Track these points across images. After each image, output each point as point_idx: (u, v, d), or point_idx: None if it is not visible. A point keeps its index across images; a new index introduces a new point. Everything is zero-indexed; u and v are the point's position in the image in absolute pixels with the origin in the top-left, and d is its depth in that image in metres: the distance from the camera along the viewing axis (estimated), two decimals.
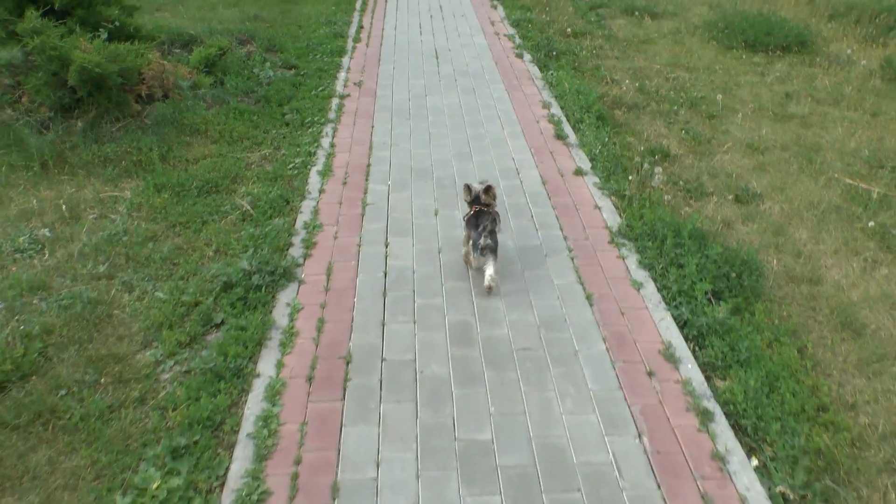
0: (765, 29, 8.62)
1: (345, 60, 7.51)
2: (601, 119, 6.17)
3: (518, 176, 5.13)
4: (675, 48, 8.53)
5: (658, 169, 5.10)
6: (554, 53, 7.89)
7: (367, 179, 5.01)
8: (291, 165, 5.24)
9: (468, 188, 3.89)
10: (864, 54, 8.21)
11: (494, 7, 9.81)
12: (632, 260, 4.08)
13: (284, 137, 5.75)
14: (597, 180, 5.07)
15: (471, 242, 3.80)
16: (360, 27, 8.78)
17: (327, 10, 9.52)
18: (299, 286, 3.76)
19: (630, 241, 4.27)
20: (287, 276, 3.82)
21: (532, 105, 6.45)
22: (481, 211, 3.78)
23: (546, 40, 8.35)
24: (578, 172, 5.18)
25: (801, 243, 4.49)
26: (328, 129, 5.84)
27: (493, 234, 3.70)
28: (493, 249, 3.70)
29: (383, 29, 8.72)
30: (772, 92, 7.15)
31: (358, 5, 9.83)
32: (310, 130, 5.82)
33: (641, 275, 3.93)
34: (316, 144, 5.53)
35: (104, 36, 6.05)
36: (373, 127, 5.91)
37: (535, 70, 7.36)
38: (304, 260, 4.00)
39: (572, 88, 6.74)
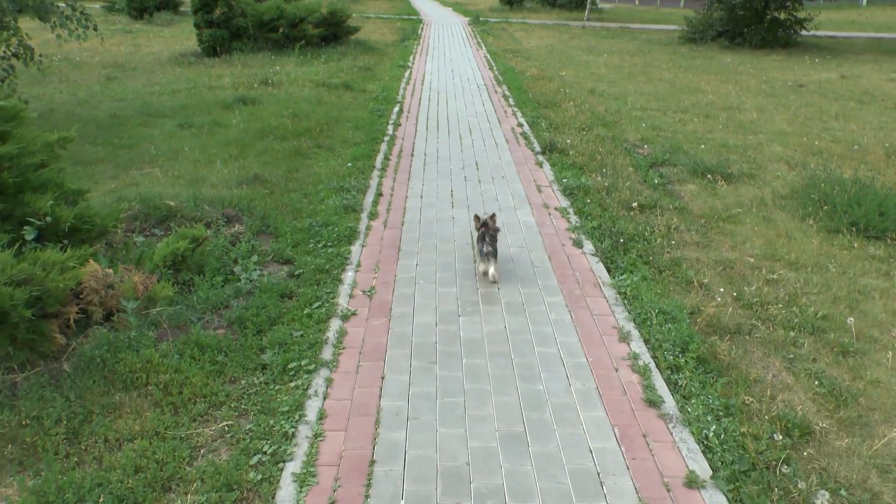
0: (874, 206, 6.91)
1: (354, 250, 5.86)
2: (703, 363, 4.37)
3: (602, 490, 3.27)
4: (766, 230, 6.82)
5: (823, 493, 3.22)
6: (622, 241, 6.18)
7: (367, 496, 3.19)
8: (257, 459, 3.45)
9: (477, 217, 5.50)
10: None
11: (540, 165, 8.26)
12: None
13: (256, 394, 4.02)
14: (723, 501, 3.22)
15: (477, 251, 5.36)
16: (379, 195, 7.21)
17: (341, 169, 8.00)
18: None
19: None
20: None
21: (605, 335, 4.68)
22: (486, 231, 5.25)
23: (609, 219, 6.68)
24: (692, 483, 3.33)
25: None
26: (319, 381, 4.09)
27: (493, 243, 5.22)
28: (493, 254, 5.21)
29: (406, 198, 7.14)
30: None
31: (378, 162, 8.32)
32: (293, 384, 4.08)
33: None
34: (297, 416, 3.76)
35: (31, 235, 4.47)
36: (383, 379, 4.15)
37: (601, 270, 5.64)
38: None
39: (655, 306, 4.98)
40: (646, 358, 4.41)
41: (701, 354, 4.45)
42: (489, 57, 18.44)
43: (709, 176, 8.32)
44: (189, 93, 12.38)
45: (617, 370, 4.28)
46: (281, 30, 18.08)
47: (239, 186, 7.44)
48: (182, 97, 12.03)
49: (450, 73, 15.53)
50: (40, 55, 11.34)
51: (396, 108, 11.39)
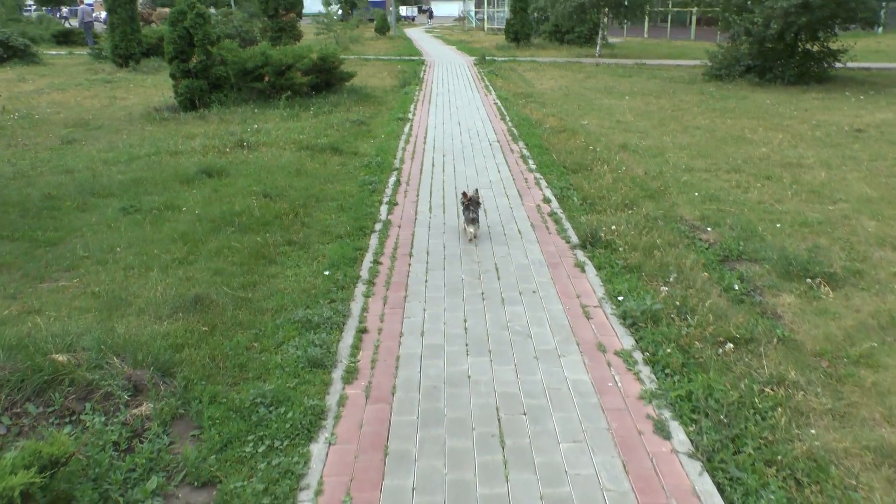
0: None
1: (315, 456, 3.68)
2: None
3: None
4: None
5: None
6: (725, 421, 3.98)
7: None
8: None
9: (464, 194, 7.12)
10: None
11: (581, 267, 6.16)
12: None
13: None
14: None
15: (463, 219, 7.00)
16: (362, 332, 5.04)
17: (315, 283, 5.90)
18: None
19: None
20: None
21: None
22: (470, 203, 6.92)
23: (697, 373, 4.51)
24: None
25: None
26: None
27: (476, 211, 6.87)
28: (475, 220, 6.87)
29: (400, 336, 5.00)
30: None
31: (365, 268, 6.18)
32: None
33: None
34: None
35: None
36: None
37: (703, 482, 3.41)
38: None
39: None
40: None
41: None
42: (500, 103, 16.43)
43: (806, 279, 6.13)
44: (148, 161, 10.34)
45: None
46: (266, 78, 16.17)
47: (172, 316, 5.34)
48: (138, 167, 10.00)
49: (456, 125, 13.49)
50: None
51: (392, 179, 9.31)
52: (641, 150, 11.50)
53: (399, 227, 7.42)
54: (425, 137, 12.16)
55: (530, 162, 10.33)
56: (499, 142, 11.95)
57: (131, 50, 24.35)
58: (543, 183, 9.14)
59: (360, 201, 8.32)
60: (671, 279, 6.13)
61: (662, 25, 43.35)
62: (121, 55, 24.53)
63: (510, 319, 5.33)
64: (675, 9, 42.23)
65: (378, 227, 7.40)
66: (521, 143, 11.69)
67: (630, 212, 7.89)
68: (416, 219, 7.70)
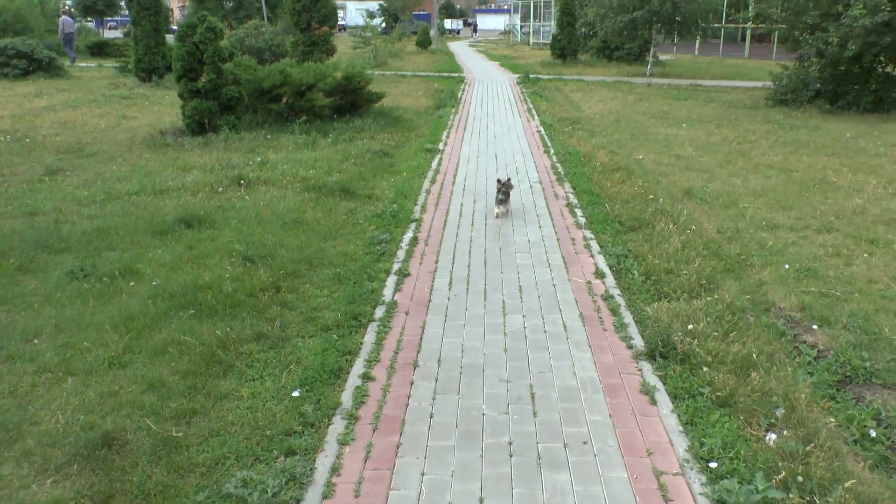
0: None
1: None
2: None
3: None
4: None
5: None
6: None
7: None
8: None
9: (498, 181, 8.29)
10: None
11: (650, 395, 4.44)
12: None
13: None
14: None
15: (496, 200, 8.26)
16: None
17: (276, 413, 4.28)
18: None
19: None
20: None
21: None
22: (501, 188, 8.14)
23: None
24: None
25: None
26: None
27: (507, 193, 8.22)
28: (503, 201, 8.22)
29: None
30: None
31: (347, 394, 4.40)
32: None
33: None
34: None
35: None
36: None
37: None
38: None
39: None
40: None
41: None
42: (543, 131, 14.61)
43: None
44: (126, 203, 8.78)
45: None
46: (285, 100, 14.56)
47: (63, 469, 3.72)
48: (112, 211, 8.44)
49: (492, 159, 11.71)
50: None
51: (409, 235, 7.57)
52: (710, 198, 9.58)
53: (407, 313, 5.65)
54: (455, 175, 10.40)
55: (578, 213, 8.49)
56: (541, 183, 10.13)
57: (154, 64, 23.10)
58: (595, 245, 7.30)
59: (364, 269, 6.58)
60: (778, 419, 4.23)
61: (714, 42, 41.09)
62: (144, 69, 23.30)
63: (550, 500, 3.48)
64: (730, 25, 39.94)
65: (379, 312, 5.64)
66: (567, 186, 9.86)
67: (709, 298, 6.00)
68: (429, 300, 5.92)
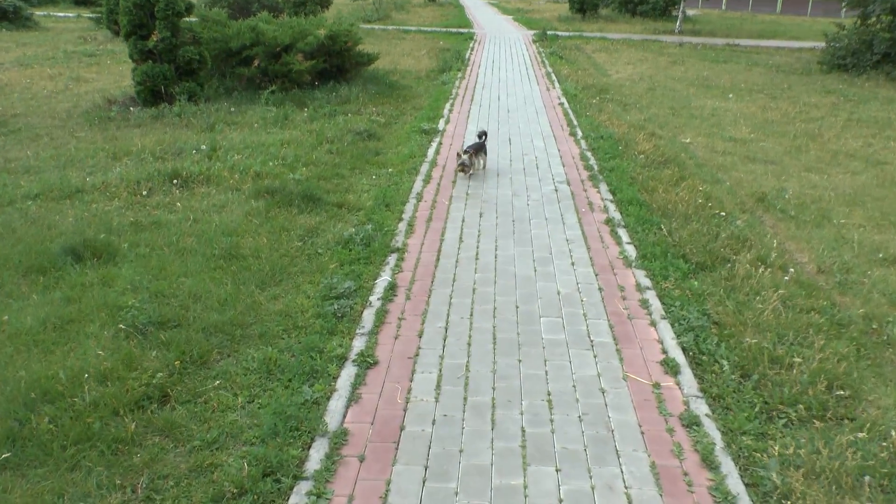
0: None
1: None
2: None
3: None
4: None
5: None
6: None
7: None
8: None
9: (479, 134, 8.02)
10: None
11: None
12: None
13: None
14: None
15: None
16: None
17: None
18: None
19: None
20: None
21: None
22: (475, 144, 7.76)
23: None
24: None
25: None
26: None
27: (476, 154, 7.68)
28: (467, 166, 7.62)
29: None
30: None
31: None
32: None
33: None
34: None
35: None
36: None
37: None
38: None
39: None
40: None
41: None
42: (566, 103, 12.04)
43: None
44: (12, 214, 6.46)
45: None
46: (256, 62, 12.04)
47: None
48: None
49: (505, 145, 9.26)
50: None
51: (385, 279, 5.15)
52: (791, 208, 7.20)
53: (361, 460, 3.29)
54: (456, 172, 7.93)
55: (624, 238, 6.09)
56: (569, 183, 7.69)
57: None
58: (655, 303, 4.92)
59: (309, 349, 4.25)
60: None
61: None
62: (117, 21, 20.58)
63: None
64: None
65: (315, 460, 3.26)
66: (603, 189, 7.43)
67: (843, 424, 3.61)
68: (402, 426, 3.57)
